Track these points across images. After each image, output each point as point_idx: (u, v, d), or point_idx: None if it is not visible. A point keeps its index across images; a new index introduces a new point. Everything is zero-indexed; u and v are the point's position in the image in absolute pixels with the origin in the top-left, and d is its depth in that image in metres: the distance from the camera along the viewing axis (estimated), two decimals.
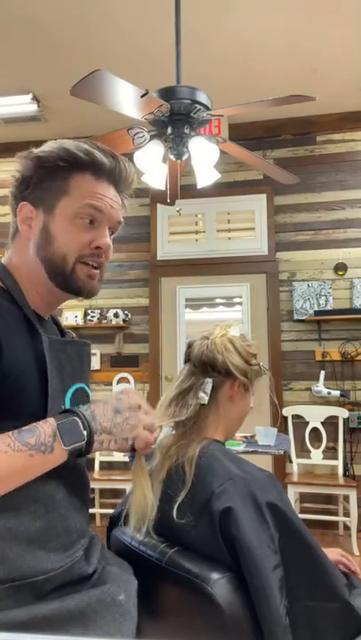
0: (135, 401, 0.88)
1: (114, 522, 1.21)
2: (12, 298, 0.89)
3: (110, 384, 4.21)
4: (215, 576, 0.93)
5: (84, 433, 0.80)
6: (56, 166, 0.92)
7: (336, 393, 3.77)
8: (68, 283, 0.93)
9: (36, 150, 0.93)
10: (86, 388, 0.99)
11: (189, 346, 1.20)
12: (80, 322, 4.27)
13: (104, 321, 4.27)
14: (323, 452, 3.79)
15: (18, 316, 0.88)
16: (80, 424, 0.80)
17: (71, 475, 0.89)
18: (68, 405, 0.91)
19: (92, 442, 0.81)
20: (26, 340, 0.87)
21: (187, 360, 1.20)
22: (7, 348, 0.81)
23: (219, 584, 0.92)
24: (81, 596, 0.84)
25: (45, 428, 0.78)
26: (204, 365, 1.15)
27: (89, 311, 4.30)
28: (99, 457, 3.92)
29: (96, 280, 0.96)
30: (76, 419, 0.80)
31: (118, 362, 4.26)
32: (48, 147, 0.93)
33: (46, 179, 0.92)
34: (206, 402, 1.13)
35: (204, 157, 2.30)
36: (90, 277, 0.95)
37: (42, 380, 0.86)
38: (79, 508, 0.92)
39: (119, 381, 4.20)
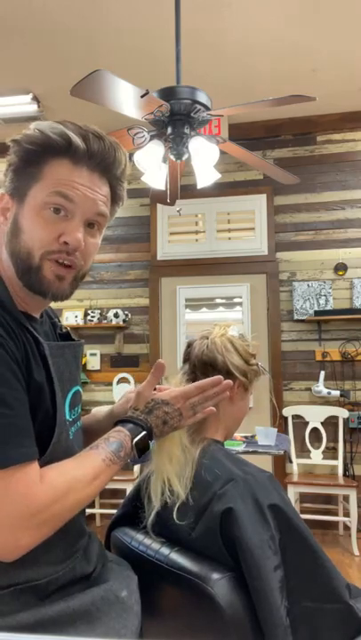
0: (176, 410, 0.95)
1: (115, 523, 1.20)
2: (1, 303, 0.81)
3: (110, 384, 4.21)
4: (215, 576, 0.93)
5: (150, 443, 0.91)
6: (30, 151, 0.82)
7: (336, 393, 3.77)
8: (33, 282, 0.83)
9: (18, 135, 0.85)
10: (80, 389, 0.98)
11: (189, 345, 1.20)
12: (80, 322, 4.27)
13: (104, 321, 4.27)
14: (323, 452, 3.79)
15: (11, 321, 0.80)
16: (147, 436, 0.90)
17: None
18: (67, 409, 0.89)
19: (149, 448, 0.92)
20: (35, 353, 0.83)
21: (186, 360, 1.20)
22: (26, 369, 0.79)
23: (219, 584, 0.92)
24: (84, 595, 0.85)
25: (126, 442, 0.87)
26: (205, 365, 1.15)
27: (89, 311, 4.30)
28: None
29: (66, 282, 0.85)
30: (145, 433, 0.90)
31: (118, 362, 4.26)
32: (27, 129, 0.84)
33: (21, 165, 0.84)
34: None
35: (204, 157, 2.30)
36: (58, 278, 0.84)
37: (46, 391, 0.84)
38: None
39: (119, 381, 4.20)
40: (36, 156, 0.82)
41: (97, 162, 0.84)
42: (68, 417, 0.89)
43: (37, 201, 0.82)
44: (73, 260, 0.84)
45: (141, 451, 0.88)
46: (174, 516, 1.02)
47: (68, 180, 0.82)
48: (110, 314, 4.24)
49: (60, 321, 1.02)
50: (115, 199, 0.91)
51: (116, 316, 4.23)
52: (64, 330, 1.02)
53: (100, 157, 0.84)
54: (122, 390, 4.18)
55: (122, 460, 0.85)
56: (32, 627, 0.76)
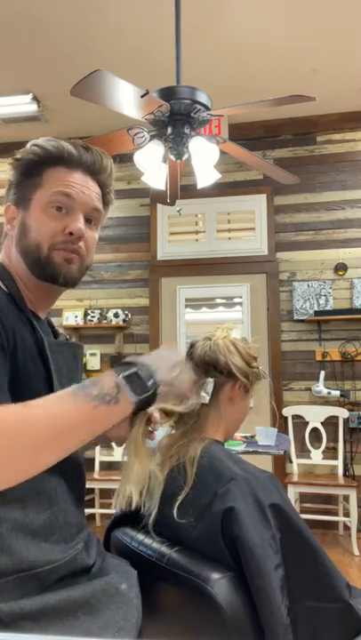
0: (182, 358, 0.93)
1: (115, 523, 1.21)
2: (12, 299, 0.90)
3: None
4: (215, 576, 0.93)
5: (149, 384, 0.79)
6: (31, 163, 0.94)
7: (336, 393, 3.77)
8: (45, 268, 0.93)
9: (18, 152, 0.97)
10: None
11: (191, 346, 1.21)
12: (80, 322, 4.27)
13: (104, 321, 4.27)
14: (323, 452, 3.79)
15: (20, 316, 0.88)
16: (143, 375, 0.80)
17: (70, 470, 0.91)
18: None
19: (156, 393, 0.81)
20: (30, 339, 0.88)
21: (188, 360, 1.20)
22: (16, 340, 0.83)
23: (219, 584, 0.92)
24: (86, 586, 0.87)
25: (107, 380, 0.77)
26: (207, 365, 1.15)
27: (89, 311, 4.30)
28: (98, 457, 3.92)
29: (75, 267, 0.95)
30: (138, 370, 0.79)
31: (118, 362, 4.25)
32: (24, 148, 0.97)
33: (23, 178, 0.95)
34: (207, 401, 1.13)
35: (204, 157, 2.30)
36: (67, 261, 0.94)
37: (43, 381, 0.87)
38: (77, 502, 0.94)
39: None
40: (36, 166, 0.95)
41: (87, 166, 0.97)
42: None
43: (41, 202, 0.93)
44: (78, 248, 0.95)
45: (139, 389, 0.78)
46: (175, 514, 1.02)
47: (66, 181, 0.94)
48: (110, 314, 4.24)
49: (59, 331, 1.09)
50: (105, 201, 1.02)
51: (116, 315, 4.23)
52: (65, 338, 1.09)
53: (91, 162, 0.97)
54: None
55: (105, 401, 0.74)
56: (35, 614, 0.78)
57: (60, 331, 1.08)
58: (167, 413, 1.13)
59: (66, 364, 0.95)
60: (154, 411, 0.93)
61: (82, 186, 0.95)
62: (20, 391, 0.81)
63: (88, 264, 0.99)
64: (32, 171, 0.95)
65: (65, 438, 0.71)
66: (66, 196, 0.93)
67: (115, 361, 4.25)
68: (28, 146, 0.96)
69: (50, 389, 0.86)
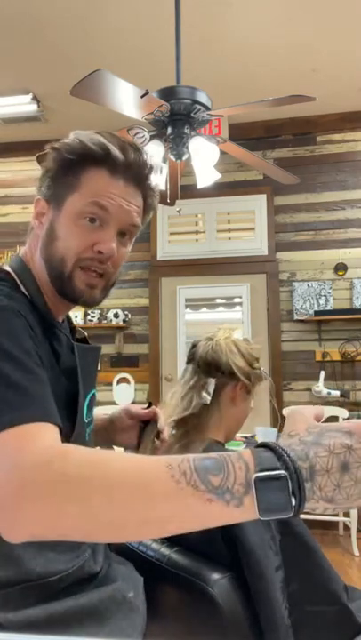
0: None
1: None
2: (31, 302, 0.83)
3: (110, 384, 4.21)
4: (215, 576, 0.93)
5: (292, 503, 0.49)
6: (69, 160, 0.84)
7: (336, 393, 3.76)
8: (65, 288, 0.85)
9: (57, 142, 0.86)
10: (96, 393, 0.98)
11: (193, 346, 1.21)
12: (80, 322, 4.27)
13: (104, 321, 4.27)
14: None
15: (39, 321, 0.82)
16: (289, 485, 0.50)
17: None
18: (85, 412, 0.88)
19: (299, 513, 0.50)
20: (48, 347, 0.83)
21: (190, 360, 1.21)
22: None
23: (219, 584, 0.92)
24: (93, 593, 0.86)
25: (238, 470, 0.52)
26: (208, 366, 1.15)
27: (89, 311, 4.30)
28: None
29: (97, 291, 0.88)
30: (287, 475, 0.50)
31: (118, 362, 4.26)
32: (68, 138, 0.85)
33: (60, 173, 0.85)
34: (209, 402, 1.13)
35: (204, 157, 2.30)
36: (89, 286, 0.86)
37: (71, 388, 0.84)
38: None
39: (119, 382, 4.20)
40: (74, 165, 0.84)
41: (133, 173, 0.86)
42: (85, 418, 0.89)
43: (75, 210, 0.84)
44: (105, 268, 0.86)
45: (276, 506, 0.50)
46: None
47: (105, 191, 0.83)
48: (110, 314, 4.24)
49: (77, 327, 1.03)
50: (147, 209, 0.92)
51: (116, 316, 4.23)
52: (82, 335, 1.02)
53: (137, 169, 0.86)
54: (122, 390, 4.18)
55: (212, 491, 0.51)
56: (41, 623, 0.77)
57: (77, 327, 1.02)
58: (178, 422, 1.13)
59: (87, 369, 0.90)
60: (165, 425, 0.91)
61: (122, 198, 0.84)
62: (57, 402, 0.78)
63: (115, 280, 0.91)
64: (70, 168, 0.84)
65: (151, 526, 0.53)
66: (102, 208, 0.83)
67: (114, 361, 4.25)
68: (71, 137, 0.85)
69: (76, 397, 0.83)
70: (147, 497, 0.51)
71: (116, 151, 0.83)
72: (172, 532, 0.54)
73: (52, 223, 0.86)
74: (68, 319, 1.00)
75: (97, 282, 0.87)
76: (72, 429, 0.81)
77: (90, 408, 0.92)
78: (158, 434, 0.92)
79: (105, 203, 0.83)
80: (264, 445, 0.53)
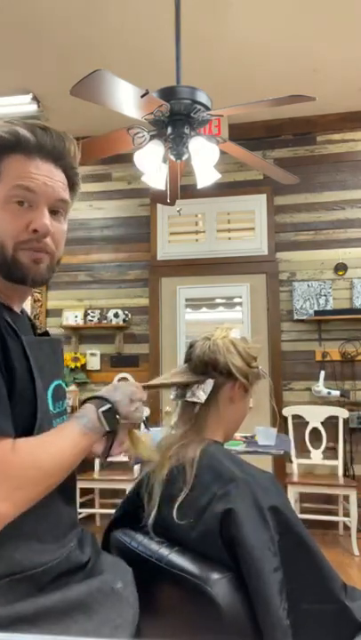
0: (140, 394, 0.99)
1: (114, 523, 1.20)
2: None
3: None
4: (215, 576, 0.93)
5: (117, 418, 0.92)
6: None
7: (336, 393, 3.76)
8: (12, 270, 0.88)
9: None
10: (63, 384, 1.00)
11: (191, 346, 1.21)
12: (80, 322, 4.27)
13: (104, 321, 4.27)
14: (323, 452, 3.79)
15: None
16: (113, 410, 0.92)
17: None
18: (50, 401, 0.91)
19: (119, 423, 0.93)
20: (14, 342, 0.85)
21: (187, 359, 1.20)
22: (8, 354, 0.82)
23: (219, 584, 0.92)
24: (80, 586, 0.86)
25: (91, 414, 0.90)
26: (206, 365, 1.15)
27: (89, 311, 4.30)
28: None
29: (43, 266, 0.90)
30: (110, 406, 0.91)
31: (118, 362, 4.26)
32: None
33: None
34: (203, 401, 1.13)
35: (204, 157, 2.30)
36: (35, 262, 0.88)
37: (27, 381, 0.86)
38: (68, 500, 0.93)
39: (119, 382, 4.20)
40: None
41: (48, 151, 0.89)
42: (51, 409, 0.91)
43: (1, 197, 0.86)
44: (45, 244, 0.89)
45: (112, 422, 0.91)
46: (174, 515, 1.02)
47: (24, 172, 0.86)
48: (110, 314, 4.24)
49: (39, 323, 1.05)
50: (71, 186, 0.95)
51: (116, 316, 4.23)
52: (43, 330, 1.06)
53: (51, 147, 0.89)
54: None
55: (94, 432, 0.88)
56: (30, 617, 0.77)
57: (38, 324, 1.06)
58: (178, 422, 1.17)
59: (47, 360, 0.92)
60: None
61: (44, 176, 0.87)
62: (17, 396, 0.82)
63: (59, 258, 0.94)
64: None
65: (69, 466, 0.84)
66: (27, 189, 0.86)
67: (114, 361, 4.25)
68: None
69: (33, 389, 0.85)
70: (62, 450, 0.84)
71: (25, 133, 0.86)
72: (77, 463, 0.87)
73: None
74: (29, 317, 1.03)
75: (41, 256, 0.89)
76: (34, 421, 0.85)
77: (57, 399, 0.94)
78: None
79: (27, 183, 0.86)
80: (94, 397, 0.94)
